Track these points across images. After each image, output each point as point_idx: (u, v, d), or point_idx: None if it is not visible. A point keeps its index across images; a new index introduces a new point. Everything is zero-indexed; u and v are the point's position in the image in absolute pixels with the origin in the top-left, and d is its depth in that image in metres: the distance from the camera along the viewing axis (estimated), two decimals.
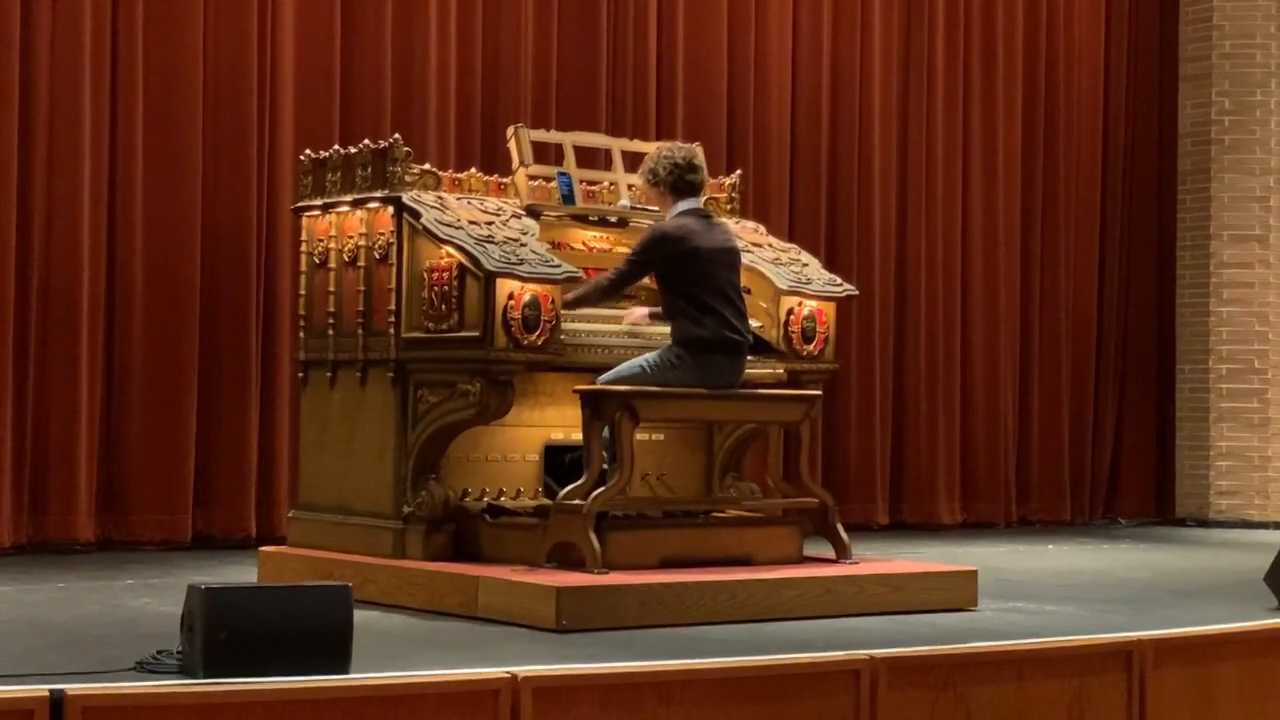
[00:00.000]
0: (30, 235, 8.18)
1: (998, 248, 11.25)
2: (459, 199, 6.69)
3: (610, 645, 5.30)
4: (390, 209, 6.61)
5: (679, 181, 6.58)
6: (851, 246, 10.60)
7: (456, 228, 6.40)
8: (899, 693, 4.82)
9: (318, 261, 6.98)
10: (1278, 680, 5.67)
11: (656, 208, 6.98)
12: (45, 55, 8.25)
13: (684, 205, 6.59)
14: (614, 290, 6.57)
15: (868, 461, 10.59)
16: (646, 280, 6.76)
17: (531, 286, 6.25)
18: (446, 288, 6.36)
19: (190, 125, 8.59)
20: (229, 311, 8.69)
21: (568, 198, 6.99)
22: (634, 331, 6.71)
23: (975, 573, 6.68)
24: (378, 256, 6.66)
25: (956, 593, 6.55)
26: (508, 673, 4.34)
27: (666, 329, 6.57)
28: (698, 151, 6.68)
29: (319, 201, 6.99)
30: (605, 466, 6.21)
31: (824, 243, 10.34)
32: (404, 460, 6.52)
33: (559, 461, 6.84)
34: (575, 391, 6.37)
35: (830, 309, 7.13)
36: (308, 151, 7.24)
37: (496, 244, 6.34)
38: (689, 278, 6.42)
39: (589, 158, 7.45)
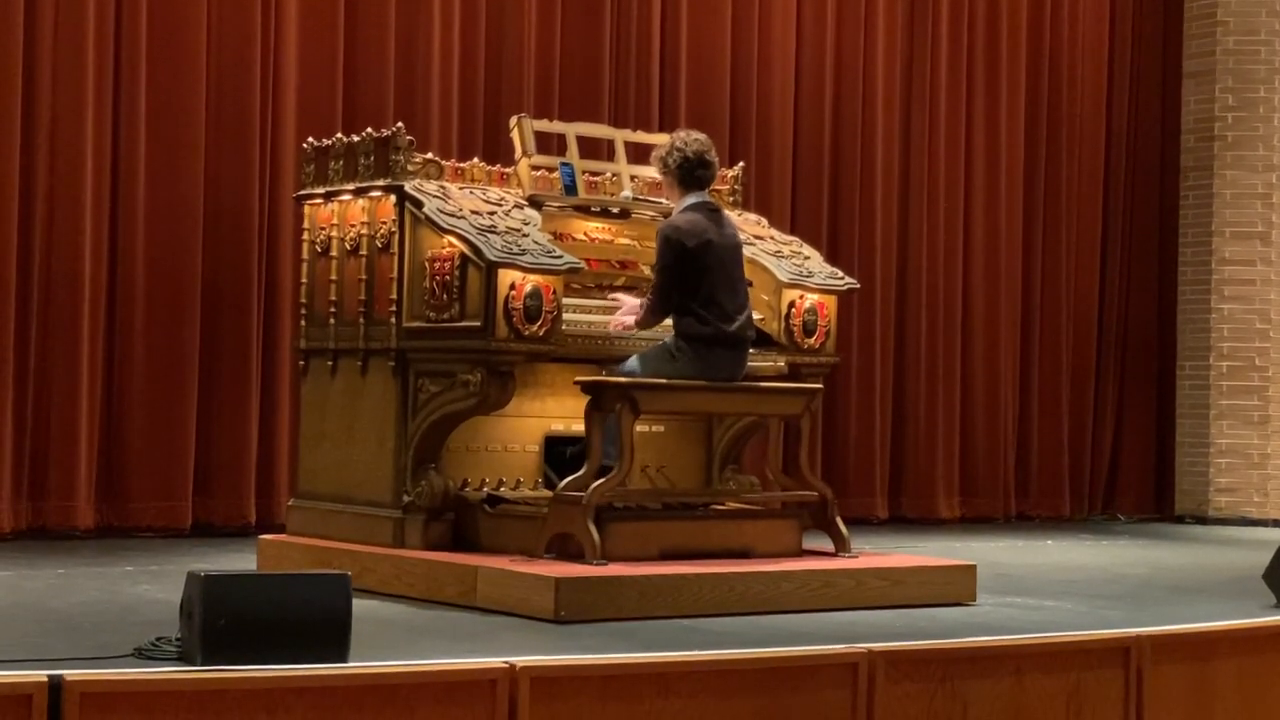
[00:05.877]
0: (32, 222, 8.18)
1: (999, 242, 11.24)
2: (461, 189, 6.69)
3: (609, 636, 5.31)
4: (393, 198, 6.60)
5: (687, 176, 6.56)
6: (853, 240, 10.60)
7: (459, 217, 6.40)
8: (896, 686, 4.83)
9: (320, 250, 6.98)
10: (1275, 677, 5.68)
11: (659, 199, 6.98)
12: (48, 42, 8.25)
13: (691, 199, 6.57)
14: (661, 309, 6.48)
15: (867, 455, 10.59)
16: (647, 271, 6.76)
17: (533, 277, 6.25)
18: (448, 277, 6.35)
19: (193, 112, 8.59)
20: (230, 299, 8.69)
21: (570, 188, 6.98)
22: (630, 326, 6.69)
23: (974, 567, 6.68)
24: (380, 245, 6.65)
25: (955, 587, 6.55)
26: (506, 663, 4.35)
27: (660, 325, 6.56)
28: (711, 145, 6.65)
29: (321, 190, 6.98)
30: (611, 464, 6.19)
31: (826, 236, 10.34)
32: (404, 450, 6.51)
33: (559, 452, 6.84)
34: (576, 383, 6.37)
35: (831, 302, 7.12)
36: (310, 140, 7.23)
37: (499, 234, 6.34)
38: (697, 271, 6.41)
39: (592, 148, 7.43)
